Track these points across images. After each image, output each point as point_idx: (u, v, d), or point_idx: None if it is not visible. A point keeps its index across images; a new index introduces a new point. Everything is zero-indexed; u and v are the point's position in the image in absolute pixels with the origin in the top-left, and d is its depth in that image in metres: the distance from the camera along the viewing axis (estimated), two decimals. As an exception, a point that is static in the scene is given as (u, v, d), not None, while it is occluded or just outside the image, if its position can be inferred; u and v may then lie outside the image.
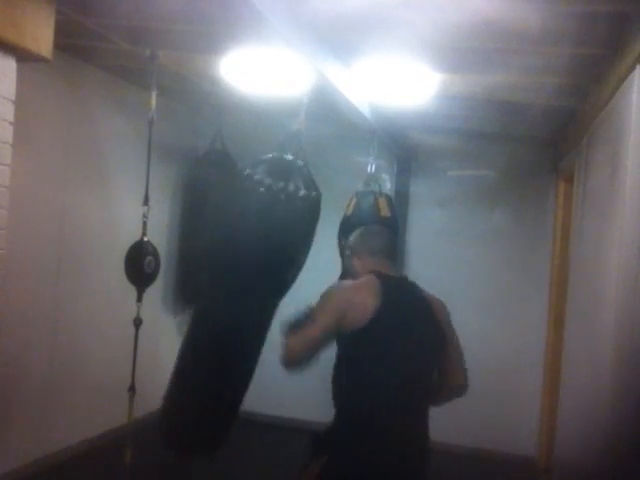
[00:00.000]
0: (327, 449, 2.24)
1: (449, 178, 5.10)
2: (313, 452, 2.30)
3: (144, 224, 3.26)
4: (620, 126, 2.42)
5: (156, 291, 4.56)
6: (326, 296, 2.27)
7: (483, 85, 3.37)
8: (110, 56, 3.73)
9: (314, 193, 2.47)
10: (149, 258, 3.28)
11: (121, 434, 3.59)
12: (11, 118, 2.50)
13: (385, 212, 3.83)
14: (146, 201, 3.29)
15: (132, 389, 3.26)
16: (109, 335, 4.30)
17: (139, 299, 3.24)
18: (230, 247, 2.47)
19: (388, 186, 4.94)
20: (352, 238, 2.54)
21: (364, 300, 2.21)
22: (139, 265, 3.24)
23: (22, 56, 2.50)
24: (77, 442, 4.15)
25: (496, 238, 4.94)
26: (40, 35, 2.49)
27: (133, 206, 3.45)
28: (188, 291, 5.09)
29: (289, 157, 2.49)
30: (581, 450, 2.81)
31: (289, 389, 5.09)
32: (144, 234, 3.26)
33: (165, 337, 5.06)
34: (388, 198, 3.99)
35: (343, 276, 3.00)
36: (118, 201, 4.37)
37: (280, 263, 2.47)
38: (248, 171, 2.41)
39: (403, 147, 4.88)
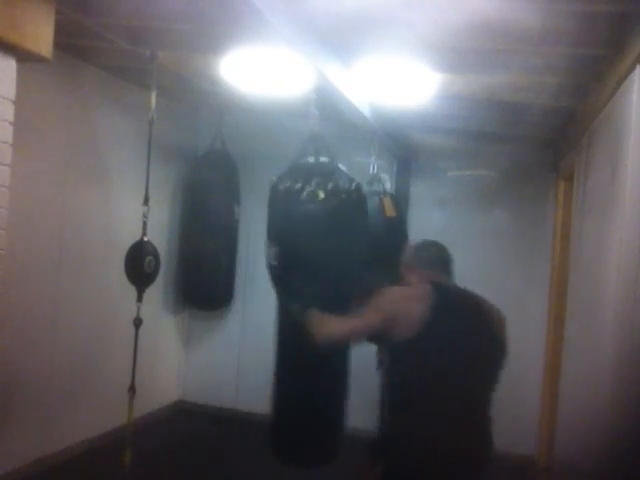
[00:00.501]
0: (384, 455, 2.26)
1: (449, 178, 5.10)
2: (370, 458, 2.33)
3: (144, 224, 3.26)
4: (620, 126, 2.42)
5: (156, 291, 4.57)
6: (381, 296, 2.28)
7: (483, 85, 3.37)
8: (110, 56, 3.73)
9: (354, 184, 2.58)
10: (149, 258, 3.28)
11: (121, 434, 3.59)
12: (11, 118, 2.50)
13: (390, 212, 3.84)
14: (146, 201, 3.29)
15: (132, 389, 3.26)
16: (109, 335, 4.30)
17: (139, 299, 3.24)
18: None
19: (388, 186, 4.94)
20: (407, 253, 2.54)
21: (417, 307, 2.20)
22: (139, 265, 3.24)
23: (22, 56, 2.50)
24: (77, 442, 4.15)
25: (496, 238, 4.94)
26: (40, 35, 2.49)
27: (133, 206, 3.45)
28: (189, 291, 5.11)
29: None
30: (581, 449, 2.81)
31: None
32: (144, 234, 3.26)
33: (165, 337, 5.07)
34: (392, 198, 3.99)
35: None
36: (118, 201, 4.37)
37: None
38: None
39: (403, 147, 4.88)
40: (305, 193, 2.42)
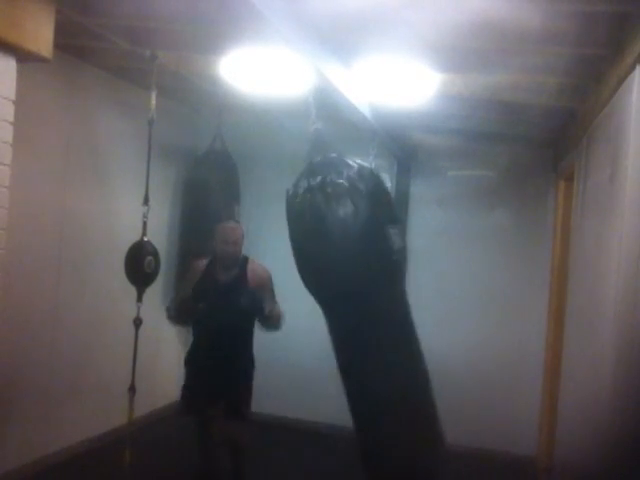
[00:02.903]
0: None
1: (449, 178, 5.10)
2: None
3: (144, 224, 3.26)
4: (620, 126, 2.42)
5: (156, 291, 4.57)
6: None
7: (483, 85, 3.37)
8: (110, 56, 3.73)
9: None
10: (149, 258, 3.28)
11: (121, 434, 3.59)
12: (11, 118, 2.50)
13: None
14: (146, 201, 3.29)
15: (132, 389, 3.26)
16: (109, 335, 4.30)
17: (139, 299, 3.24)
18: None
19: (388, 186, 4.94)
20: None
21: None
22: (139, 265, 3.24)
23: (22, 56, 2.50)
24: (77, 442, 4.15)
25: (496, 238, 4.94)
26: (40, 35, 2.49)
27: (133, 206, 3.45)
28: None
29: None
30: (581, 450, 2.81)
31: (294, 389, 5.11)
32: (144, 234, 3.26)
33: (165, 337, 5.07)
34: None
35: None
36: (118, 201, 4.37)
37: None
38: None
39: (403, 147, 4.88)
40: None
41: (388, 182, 4.94)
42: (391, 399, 2.64)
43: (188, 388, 3.64)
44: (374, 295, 2.57)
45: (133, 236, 3.29)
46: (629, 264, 2.15)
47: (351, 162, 2.54)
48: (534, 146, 4.87)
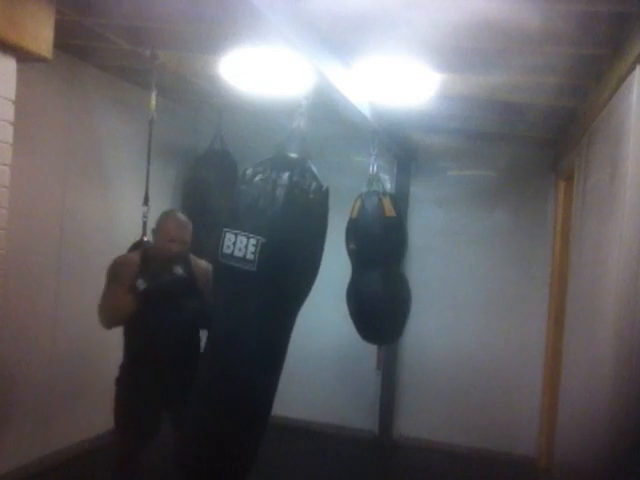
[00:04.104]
0: None
1: (449, 178, 5.10)
2: None
3: (144, 224, 3.26)
4: (620, 126, 2.42)
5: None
6: None
7: (483, 85, 3.37)
8: (110, 56, 3.73)
9: (322, 188, 2.48)
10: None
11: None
12: (11, 118, 2.50)
13: (390, 212, 3.85)
14: (146, 201, 3.30)
15: (132, 389, 3.25)
16: (109, 335, 4.29)
17: (139, 299, 3.23)
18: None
19: (388, 186, 4.94)
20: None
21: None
22: (139, 265, 3.23)
23: (22, 56, 2.50)
24: (77, 442, 4.15)
25: (496, 238, 4.94)
26: (40, 35, 2.49)
27: (133, 206, 3.45)
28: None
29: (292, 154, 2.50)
30: (581, 450, 2.81)
31: (297, 390, 5.11)
32: (144, 234, 3.26)
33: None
34: (392, 197, 3.99)
35: None
36: (118, 201, 4.37)
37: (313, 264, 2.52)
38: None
39: (403, 147, 4.88)
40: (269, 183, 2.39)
41: (388, 182, 4.95)
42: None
43: (127, 411, 3.02)
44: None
45: (133, 236, 3.29)
46: (629, 264, 2.15)
47: (315, 171, 2.49)
48: (534, 146, 4.87)
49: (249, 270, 2.34)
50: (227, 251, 2.39)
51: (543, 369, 4.64)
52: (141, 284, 2.86)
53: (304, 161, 2.46)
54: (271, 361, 2.53)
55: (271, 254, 2.32)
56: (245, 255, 2.34)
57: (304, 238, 2.44)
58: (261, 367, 2.49)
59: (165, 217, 3.05)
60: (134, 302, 2.86)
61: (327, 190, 2.48)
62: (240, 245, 2.37)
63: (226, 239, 2.41)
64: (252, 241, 2.34)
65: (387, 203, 3.86)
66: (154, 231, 3.04)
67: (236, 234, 2.39)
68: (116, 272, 2.99)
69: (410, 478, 4.41)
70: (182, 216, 3.10)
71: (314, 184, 2.42)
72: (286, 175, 2.37)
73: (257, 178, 2.42)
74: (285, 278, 2.41)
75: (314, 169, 2.47)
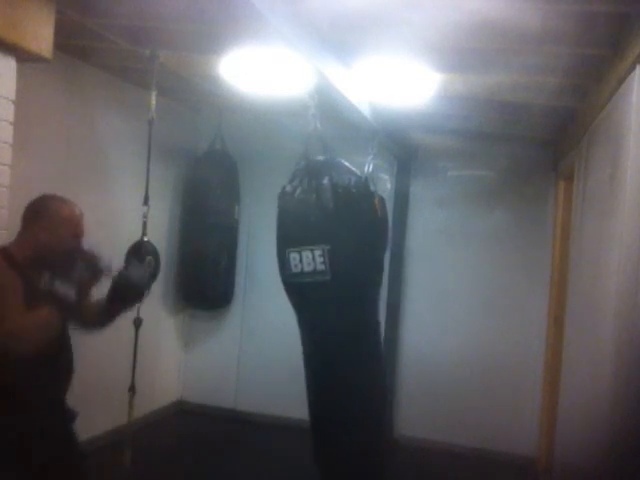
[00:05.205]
0: None
1: (449, 178, 5.10)
2: None
3: (144, 224, 3.26)
4: (620, 126, 2.42)
5: (156, 291, 4.57)
6: None
7: (483, 85, 3.37)
8: (110, 56, 3.73)
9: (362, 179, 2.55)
10: (149, 258, 3.28)
11: (121, 434, 3.59)
12: (11, 118, 2.50)
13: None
14: (146, 201, 3.30)
15: (132, 389, 3.27)
16: (109, 335, 4.28)
17: (139, 299, 3.23)
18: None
19: (388, 186, 4.94)
20: None
21: None
22: (139, 265, 3.24)
23: (22, 56, 2.50)
24: (77, 442, 4.15)
25: (496, 238, 4.94)
26: (40, 35, 2.49)
27: (133, 206, 3.45)
28: (189, 291, 5.11)
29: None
30: (581, 450, 2.81)
31: (297, 390, 5.11)
32: (144, 234, 3.26)
33: (165, 337, 5.07)
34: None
35: None
36: (118, 201, 4.37)
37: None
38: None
39: (403, 147, 4.88)
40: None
41: (388, 182, 4.95)
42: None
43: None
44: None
45: (133, 236, 3.29)
46: (629, 264, 2.16)
47: (348, 165, 2.53)
48: (534, 146, 4.87)
49: (324, 280, 2.34)
50: (296, 270, 2.41)
51: (543, 369, 4.64)
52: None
53: (334, 160, 2.48)
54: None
55: (339, 257, 2.34)
56: (315, 268, 2.36)
57: (361, 231, 2.46)
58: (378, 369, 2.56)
59: (59, 208, 2.48)
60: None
61: (367, 179, 2.51)
62: (307, 260, 2.39)
63: (290, 259, 2.43)
64: (317, 252, 2.36)
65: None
66: (34, 218, 2.41)
67: (299, 251, 2.40)
68: None
69: (410, 478, 4.41)
70: (75, 207, 2.56)
71: (353, 178, 2.45)
72: (324, 180, 2.40)
73: (298, 192, 2.45)
74: (359, 274, 2.42)
75: (346, 163, 2.49)
